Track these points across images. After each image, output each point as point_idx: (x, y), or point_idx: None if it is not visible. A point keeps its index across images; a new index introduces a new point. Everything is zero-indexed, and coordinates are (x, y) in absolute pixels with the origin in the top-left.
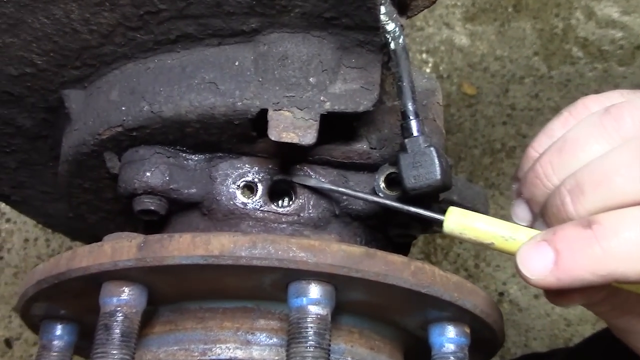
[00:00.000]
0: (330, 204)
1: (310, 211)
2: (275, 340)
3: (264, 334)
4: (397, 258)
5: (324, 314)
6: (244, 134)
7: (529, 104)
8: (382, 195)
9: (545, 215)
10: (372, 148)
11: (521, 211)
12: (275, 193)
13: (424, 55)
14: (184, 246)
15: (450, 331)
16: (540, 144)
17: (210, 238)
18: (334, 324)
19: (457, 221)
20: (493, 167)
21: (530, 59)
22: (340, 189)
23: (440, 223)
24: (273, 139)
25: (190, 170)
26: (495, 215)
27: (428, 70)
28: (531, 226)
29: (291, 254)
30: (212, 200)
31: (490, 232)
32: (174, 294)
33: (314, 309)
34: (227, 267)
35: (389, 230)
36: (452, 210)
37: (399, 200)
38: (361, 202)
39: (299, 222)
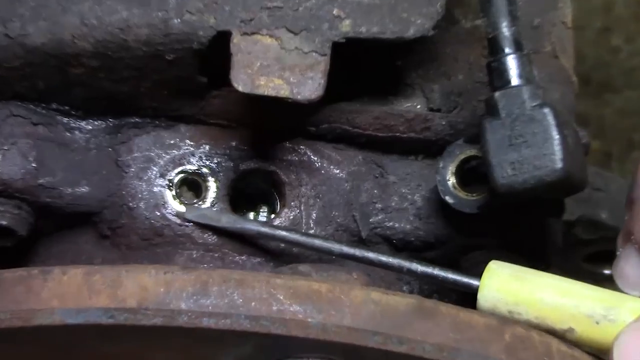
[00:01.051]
0: (349, 217)
1: (312, 232)
2: None
3: None
4: (478, 318)
5: None
6: (182, 81)
7: None
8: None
9: None
10: (431, 109)
11: (632, 269)
12: (242, 196)
13: None
14: (71, 290)
15: None
16: None
17: (121, 276)
18: None
19: (502, 288)
20: None
21: None
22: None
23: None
24: (241, 89)
25: (79, 150)
26: None
27: None
28: None
29: (276, 307)
30: (120, 210)
31: (568, 309)
32: None
33: None
34: (153, 332)
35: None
36: (494, 270)
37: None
38: (409, 216)
39: (288, 252)
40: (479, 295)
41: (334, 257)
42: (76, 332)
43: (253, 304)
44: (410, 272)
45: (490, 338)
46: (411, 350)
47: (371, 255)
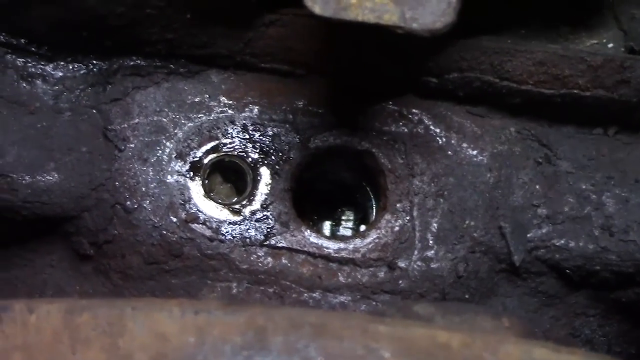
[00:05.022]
0: (492, 230)
1: (431, 253)
2: None
3: None
4: None
5: None
6: None
7: None
8: None
9: None
10: (632, 50)
11: None
12: (313, 194)
13: None
14: (42, 341)
15: None
16: None
17: (125, 317)
18: None
19: None
20: None
21: None
22: None
23: None
24: (319, 11)
25: (42, 111)
26: None
27: None
28: None
29: None
30: (111, 213)
31: None
32: None
33: None
34: None
35: None
36: None
37: None
38: (594, 229)
39: (390, 282)
40: None
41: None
42: None
43: None
44: None
45: None
46: None
47: None
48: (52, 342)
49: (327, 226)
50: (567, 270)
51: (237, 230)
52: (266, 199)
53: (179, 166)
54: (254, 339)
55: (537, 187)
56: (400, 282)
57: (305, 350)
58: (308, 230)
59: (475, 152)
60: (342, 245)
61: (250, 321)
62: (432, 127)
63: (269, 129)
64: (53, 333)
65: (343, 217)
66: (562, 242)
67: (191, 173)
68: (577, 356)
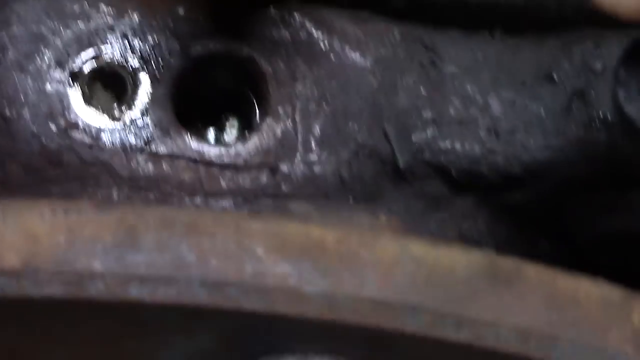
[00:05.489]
0: (377, 133)
1: (314, 157)
2: None
3: None
4: (589, 288)
5: None
6: None
7: None
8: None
9: None
10: None
11: None
12: (196, 102)
13: None
14: None
15: None
16: None
17: None
18: None
19: None
20: None
21: None
22: None
23: None
24: None
25: None
26: None
27: None
28: None
29: (251, 267)
30: None
31: None
32: None
33: None
34: (48, 311)
35: (574, 232)
36: None
37: None
38: (480, 131)
39: (272, 187)
40: None
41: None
42: None
43: (214, 262)
44: None
45: (610, 320)
46: (477, 339)
47: None
48: None
49: (211, 133)
50: (453, 173)
51: (117, 137)
52: (146, 105)
53: (59, 75)
54: (125, 238)
55: (422, 90)
56: (283, 186)
57: (177, 247)
58: (189, 136)
59: (358, 57)
60: (223, 150)
61: (122, 220)
62: (314, 32)
63: (148, 35)
64: None
65: (227, 124)
66: (448, 144)
67: (71, 81)
68: (455, 250)
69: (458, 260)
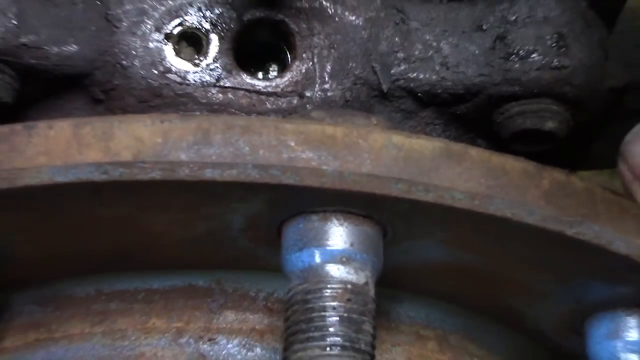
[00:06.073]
0: (368, 68)
1: (327, 86)
2: (257, 352)
3: (233, 341)
4: (513, 163)
5: (360, 283)
6: None
7: None
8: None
9: None
10: None
11: None
12: (249, 53)
13: None
14: (59, 146)
15: (632, 329)
16: None
17: (114, 127)
18: (385, 317)
19: None
20: None
21: None
22: None
23: None
24: None
25: (63, 4)
26: None
27: None
28: None
29: (286, 155)
30: (113, 70)
31: None
32: (41, 262)
33: (338, 272)
34: (152, 189)
35: (499, 130)
36: None
37: None
38: (435, 65)
39: (300, 106)
40: None
41: None
42: (66, 192)
43: (261, 151)
44: None
45: (527, 184)
46: (439, 199)
47: None
48: (65, 147)
49: (259, 73)
50: (419, 94)
51: (198, 77)
52: (216, 55)
53: (157, 36)
54: (201, 137)
55: (397, 39)
56: (308, 105)
57: (236, 143)
58: (245, 75)
59: (354, 18)
60: (268, 83)
61: (199, 125)
62: (324, 2)
63: (215, 9)
64: (65, 141)
65: (270, 69)
66: (415, 74)
67: (165, 41)
68: (422, 138)
69: (425, 146)
